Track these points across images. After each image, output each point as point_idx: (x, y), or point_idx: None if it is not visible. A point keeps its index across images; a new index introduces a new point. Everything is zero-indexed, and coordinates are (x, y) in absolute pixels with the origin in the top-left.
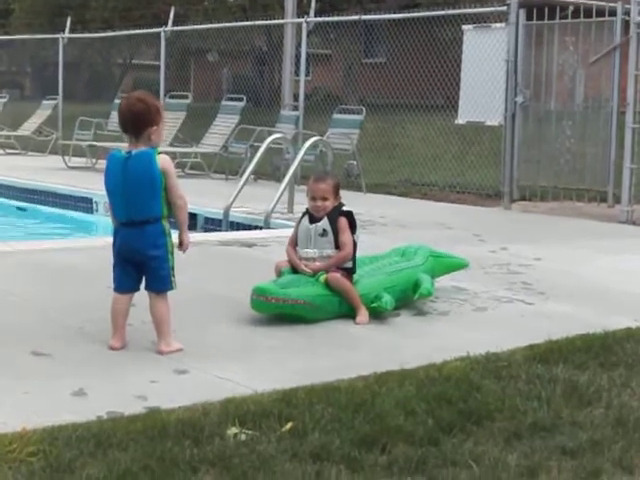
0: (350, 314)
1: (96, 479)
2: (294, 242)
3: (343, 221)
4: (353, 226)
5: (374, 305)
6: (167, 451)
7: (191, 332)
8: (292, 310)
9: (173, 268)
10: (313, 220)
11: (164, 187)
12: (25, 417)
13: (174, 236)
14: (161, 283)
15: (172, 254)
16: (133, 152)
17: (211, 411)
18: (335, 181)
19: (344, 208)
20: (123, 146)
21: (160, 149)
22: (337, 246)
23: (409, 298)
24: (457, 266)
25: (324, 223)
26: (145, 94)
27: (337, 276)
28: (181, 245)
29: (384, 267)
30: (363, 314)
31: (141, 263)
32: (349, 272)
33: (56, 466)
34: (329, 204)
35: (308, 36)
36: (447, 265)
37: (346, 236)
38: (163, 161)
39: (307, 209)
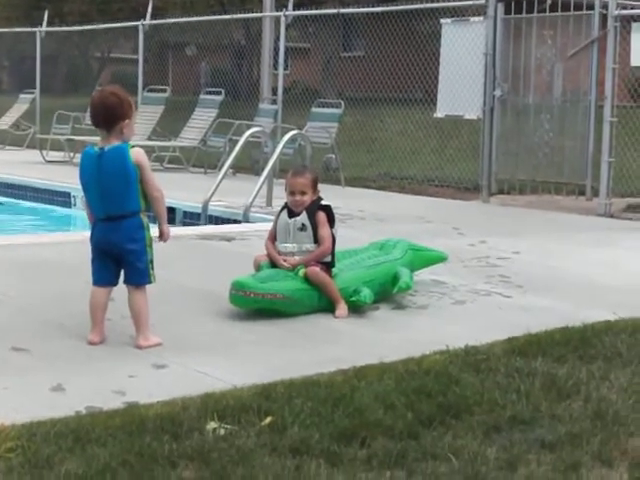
0: (329, 308)
1: (75, 475)
2: (273, 236)
3: (322, 215)
4: (332, 220)
5: (353, 299)
6: (146, 446)
7: (170, 326)
8: (271, 305)
9: (152, 262)
10: (292, 214)
11: (139, 180)
12: (3, 413)
13: (154, 229)
14: (139, 276)
15: (150, 247)
16: (106, 148)
17: (190, 406)
18: (313, 175)
19: (323, 202)
20: (99, 141)
21: (139, 143)
22: (316, 240)
23: (388, 292)
24: (436, 259)
25: (303, 217)
26: (117, 88)
27: (316, 270)
28: (161, 236)
29: (363, 261)
30: (342, 308)
31: (119, 257)
32: (328, 266)
33: (34, 462)
34: (307, 198)
35: (287, 30)
36: (426, 258)
37: (325, 230)
38: (137, 154)
39: (286, 203)
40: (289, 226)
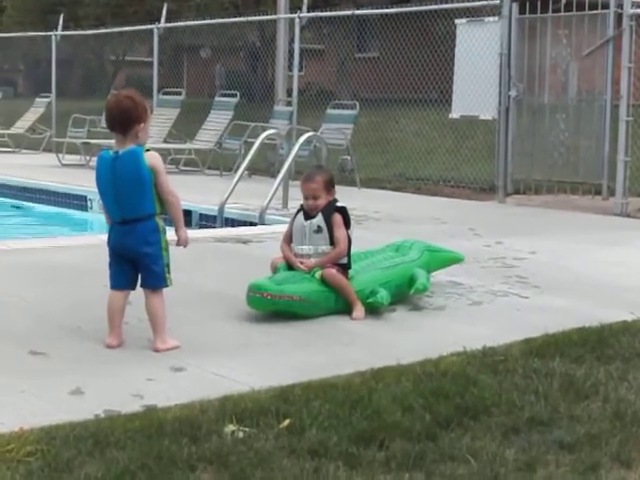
0: (346, 310)
1: (94, 478)
2: (289, 238)
3: (337, 217)
4: (347, 222)
5: (370, 301)
6: (165, 449)
7: (187, 329)
8: (288, 306)
9: (168, 265)
10: (307, 217)
11: (154, 184)
12: (22, 417)
13: (170, 233)
14: (156, 280)
15: (167, 251)
16: (120, 152)
17: (208, 409)
18: (326, 177)
19: (338, 204)
20: (114, 144)
21: (154, 146)
22: (332, 242)
23: (405, 293)
24: (453, 260)
25: (318, 220)
26: (133, 92)
27: (333, 272)
28: (179, 242)
29: (379, 262)
30: (359, 310)
31: (135, 260)
32: (344, 268)
33: (54, 466)
34: (321, 202)
35: (301, 31)
36: (442, 259)
37: (340, 232)
38: (151, 158)
39: (302, 205)
40: (305, 228)
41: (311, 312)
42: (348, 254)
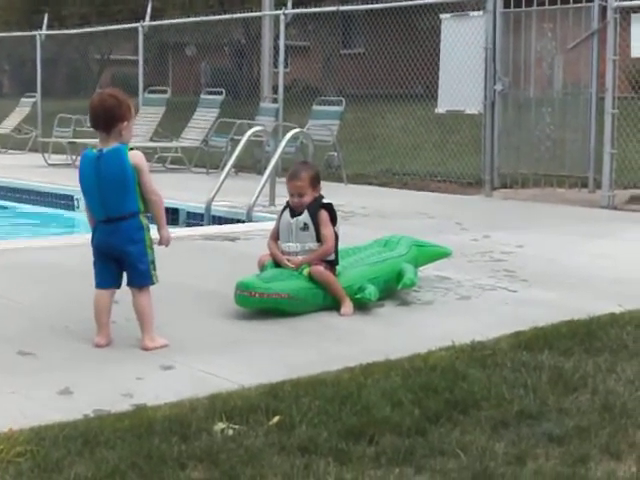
0: (335, 306)
1: (84, 478)
2: (276, 235)
3: (324, 214)
4: (334, 218)
5: (358, 296)
6: (155, 448)
7: (176, 327)
8: (276, 304)
9: (153, 262)
10: (294, 214)
11: (137, 183)
12: (11, 417)
13: (153, 231)
14: (141, 278)
15: (151, 248)
16: (104, 150)
17: (198, 407)
18: (311, 173)
19: (324, 200)
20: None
21: (140, 144)
22: (319, 239)
23: (393, 288)
24: (440, 255)
25: (305, 217)
26: (116, 90)
27: (320, 269)
28: (161, 241)
29: (367, 258)
30: (347, 305)
31: (120, 259)
32: (332, 264)
33: (44, 466)
34: (307, 198)
35: (286, 28)
36: (430, 254)
37: (327, 230)
38: (135, 157)
39: (287, 202)
40: (291, 226)
41: (299, 309)
42: (335, 250)
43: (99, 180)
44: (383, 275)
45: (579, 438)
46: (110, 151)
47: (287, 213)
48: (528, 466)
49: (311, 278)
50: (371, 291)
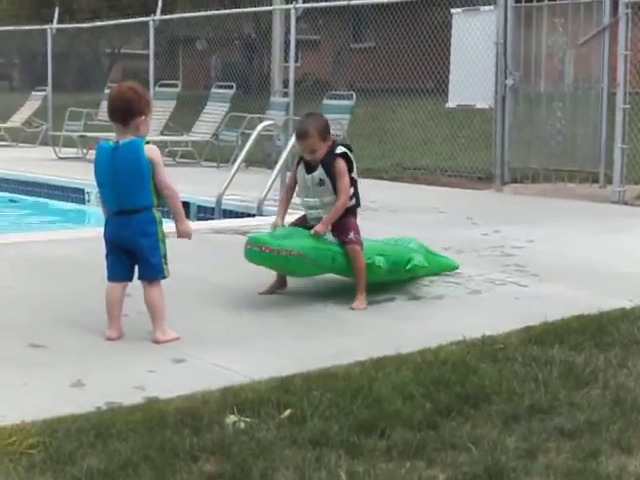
0: (343, 272)
1: (97, 470)
2: (291, 190)
3: (338, 165)
4: (350, 165)
5: (367, 262)
6: (167, 441)
7: (187, 321)
8: (285, 262)
9: (165, 256)
10: (309, 169)
11: (152, 176)
12: (24, 410)
13: (171, 225)
14: (153, 271)
15: (163, 242)
16: (121, 142)
17: (209, 400)
18: (319, 125)
19: (337, 150)
20: (113, 136)
21: (151, 138)
22: (335, 190)
23: (400, 274)
24: (447, 267)
25: (319, 173)
26: (136, 84)
27: (357, 249)
28: (180, 235)
29: (379, 241)
30: (361, 300)
31: (132, 251)
32: (354, 210)
33: (56, 458)
34: (320, 152)
35: (297, 22)
36: (438, 264)
37: (342, 182)
38: (150, 151)
39: (301, 157)
40: (307, 182)
41: (308, 270)
42: (355, 194)
43: (114, 172)
44: (393, 255)
45: (590, 432)
46: (126, 143)
47: (302, 168)
48: (539, 460)
49: (345, 252)
50: (381, 259)
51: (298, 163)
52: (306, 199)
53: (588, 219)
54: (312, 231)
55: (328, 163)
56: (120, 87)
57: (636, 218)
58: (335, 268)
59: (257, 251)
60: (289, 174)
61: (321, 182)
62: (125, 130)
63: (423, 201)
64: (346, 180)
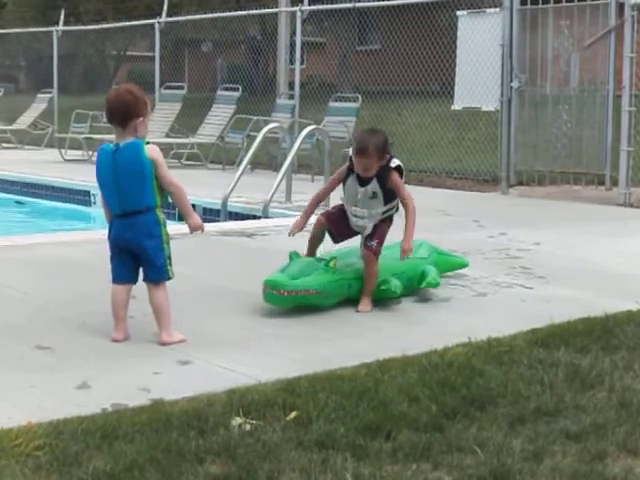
0: (357, 297)
1: (103, 471)
2: (327, 193)
3: (395, 179)
4: (401, 176)
5: (383, 288)
6: (173, 442)
7: (193, 323)
8: (305, 300)
9: (170, 257)
10: (362, 182)
11: (155, 176)
12: (30, 411)
13: (178, 225)
14: (158, 273)
15: (167, 244)
16: (121, 144)
17: (215, 402)
18: (378, 143)
19: (392, 164)
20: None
21: (157, 140)
22: (386, 201)
23: (414, 287)
24: (458, 265)
25: (373, 186)
26: (133, 86)
27: (373, 257)
28: (193, 229)
29: (392, 254)
30: (367, 303)
31: (137, 253)
32: (392, 216)
33: (62, 459)
34: (374, 169)
35: (302, 24)
36: (448, 263)
37: (404, 193)
38: (151, 151)
39: (349, 167)
40: (359, 194)
41: (327, 302)
42: (397, 206)
43: (116, 174)
44: (407, 272)
45: (596, 435)
46: (127, 145)
47: (354, 180)
48: (545, 462)
49: (333, 270)
50: (396, 284)
51: (348, 173)
52: (354, 208)
53: (594, 221)
54: (402, 254)
55: (384, 177)
56: (117, 90)
57: None
58: (351, 293)
59: (276, 295)
60: (330, 178)
61: (374, 195)
62: (124, 132)
63: (429, 203)
64: (406, 190)
